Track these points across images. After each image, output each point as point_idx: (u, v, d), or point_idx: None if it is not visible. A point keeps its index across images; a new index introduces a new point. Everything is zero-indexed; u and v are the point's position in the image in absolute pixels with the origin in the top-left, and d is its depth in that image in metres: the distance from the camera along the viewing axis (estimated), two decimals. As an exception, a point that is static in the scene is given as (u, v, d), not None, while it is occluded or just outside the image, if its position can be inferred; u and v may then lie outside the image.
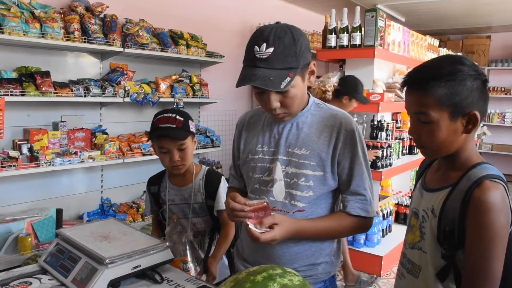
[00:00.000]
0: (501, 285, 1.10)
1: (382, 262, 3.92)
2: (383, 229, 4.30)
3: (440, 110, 1.14)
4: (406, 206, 4.67)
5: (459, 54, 5.42)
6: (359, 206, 1.39)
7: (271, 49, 1.24)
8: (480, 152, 8.00)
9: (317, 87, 4.27)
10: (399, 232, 4.26)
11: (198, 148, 4.16)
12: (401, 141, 4.38)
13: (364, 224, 1.43)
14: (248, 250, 1.53)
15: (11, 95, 2.88)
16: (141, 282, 1.44)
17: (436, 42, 5.49)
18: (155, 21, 4.04)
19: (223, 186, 1.93)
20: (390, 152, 3.98)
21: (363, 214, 1.40)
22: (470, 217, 1.10)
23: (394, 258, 4.04)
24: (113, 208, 3.73)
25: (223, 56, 4.48)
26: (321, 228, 1.39)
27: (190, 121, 1.88)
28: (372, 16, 3.74)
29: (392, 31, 4.06)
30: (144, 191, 4.09)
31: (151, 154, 3.75)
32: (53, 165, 3.08)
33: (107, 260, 1.34)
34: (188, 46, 4.10)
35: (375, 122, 4.09)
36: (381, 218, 4.21)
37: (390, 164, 4.00)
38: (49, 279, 1.45)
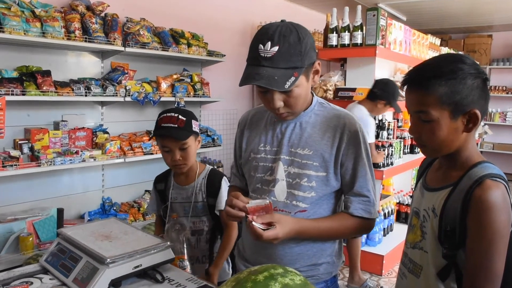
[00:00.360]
0: (502, 284, 1.10)
1: (384, 261, 3.92)
2: (384, 228, 4.31)
3: (440, 109, 1.13)
4: (407, 205, 4.67)
5: (459, 52, 5.42)
6: (362, 207, 1.39)
7: (275, 48, 1.23)
8: (481, 151, 8.04)
9: (319, 86, 4.28)
10: (401, 231, 4.26)
11: (199, 147, 4.15)
12: (402, 140, 4.38)
13: (366, 225, 1.42)
14: (250, 250, 1.52)
15: (12, 94, 2.87)
16: (142, 282, 1.43)
17: (437, 41, 5.48)
18: (156, 20, 4.03)
19: (225, 186, 1.93)
20: (392, 151, 3.98)
21: (366, 216, 1.39)
22: (471, 217, 1.09)
23: (396, 257, 4.04)
24: (114, 208, 3.73)
25: (224, 55, 4.48)
26: (323, 229, 1.38)
27: (193, 121, 1.87)
28: (374, 15, 3.74)
29: (393, 30, 4.05)
30: (146, 191, 4.10)
31: (152, 154, 3.75)
32: (54, 164, 3.08)
33: (108, 259, 1.33)
34: (189, 45, 4.09)
35: (377, 121, 4.08)
36: (382, 217, 4.22)
37: (392, 163, 4.00)
38: (50, 279, 1.45)
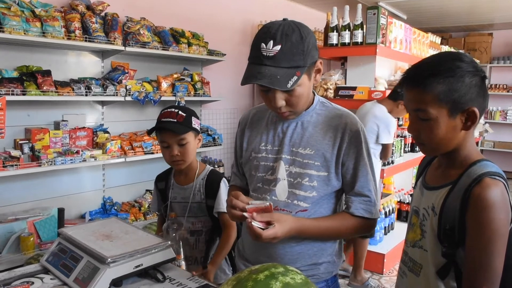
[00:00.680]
0: (502, 282, 1.10)
1: (385, 260, 3.92)
2: (385, 227, 4.31)
3: (439, 107, 1.13)
4: (408, 204, 4.67)
5: (458, 51, 5.41)
6: (363, 207, 1.39)
7: (278, 47, 1.23)
8: (482, 150, 8.04)
9: (319, 85, 4.27)
10: (401, 230, 4.25)
11: (200, 147, 4.15)
12: (403, 138, 4.38)
13: (367, 225, 1.42)
14: (250, 249, 1.52)
15: (12, 94, 2.87)
16: (143, 281, 1.44)
17: (438, 40, 5.48)
18: (156, 19, 4.03)
19: (224, 188, 1.92)
20: (392, 149, 3.98)
21: (367, 216, 1.39)
22: (470, 215, 1.09)
23: (396, 255, 4.04)
24: (115, 207, 3.73)
25: (225, 55, 4.47)
26: (324, 228, 1.38)
27: (193, 118, 1.88)
28: (374, 14, 3.74)
29: (394, 28, 4.05)
30: (147, 190, 4.10)
31: (152, 153, 3.75)
32: (54, 164, 3.08)
33: (109, 259, 1.33)
34: (189, 44, 4.09)
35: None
36: (383, 216, 4.22)
37: (392, 162, 4.00)
38: (51, 279, 1.45)
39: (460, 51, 5.94)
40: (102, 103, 3.71)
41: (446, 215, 1.14)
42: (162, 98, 3.83)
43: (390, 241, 4.17)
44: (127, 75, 3.67)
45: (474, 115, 1.14)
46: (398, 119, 4.59)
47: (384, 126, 3.33)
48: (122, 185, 3.95)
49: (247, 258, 1.53)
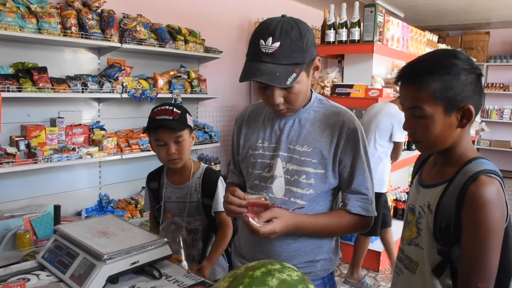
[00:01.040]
0: (497, 280, 1.11)
1: (381, 258, 3.93)
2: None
3: (434, 105, 1.13)
4: (404, 201, 4.68)
5: (454, 48, 5.41)
6: (360, 205, 1.39)
7: (277, 44, 1.22)
8: (478, 148, 8.06)
9: (316, 83, 4.27)
10: (398, 228, 4.26)
11: (196, 144, 4.15)
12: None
13: (364, 223, 1.42)
14: (246, 246, 1.52)
15: (8, 91, 2.86)
16: (139, 278, 1.44)
17: (435, 38, 5.48)
18: (153, 16, 4.02)
19: (221, 187, 1.89)
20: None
21: (364, 213, 1.39)
22: (466, 213, 1.10)
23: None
24: (112, 204, 3.73)
25: (221, 52, 4.47)
26: (321, 224, 1.38)
27: (187, 115, 1.85)
28: (371, 12, 3.74)
29: (391, 26, 4.05)
30: (143, 187, 4.09)
31: (149, 150, 3.73)
32: (51, 161, 3.07)
33: (105, 256, 1.33)
34: (186, 41, 4.08)
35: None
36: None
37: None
38: (47, 276, 1.45)
39: (457, 49, 5.94)
40: (99, 100, 3.70)
41: (442, 213, 1.15)
42: (159, 95, 3.82)
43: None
44: (123, 72, 3.66)
45: (470, 113, 1.14)
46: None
47: (398, 124, 3.35)
48: (119, 182, 3.95)
49: (243, 255, 1.53)
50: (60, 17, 3.20)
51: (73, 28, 3.21)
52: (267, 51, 1.23)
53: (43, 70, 3.13)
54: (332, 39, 4.01)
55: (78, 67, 3.55)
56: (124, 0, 3.85)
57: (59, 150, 3.17)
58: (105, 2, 3.49)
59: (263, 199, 1.26)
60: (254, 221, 1.21)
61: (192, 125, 1.88)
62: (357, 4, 3.86)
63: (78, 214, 3.58)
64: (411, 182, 1.41)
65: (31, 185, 3.29)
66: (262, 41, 1.23)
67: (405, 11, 6.72)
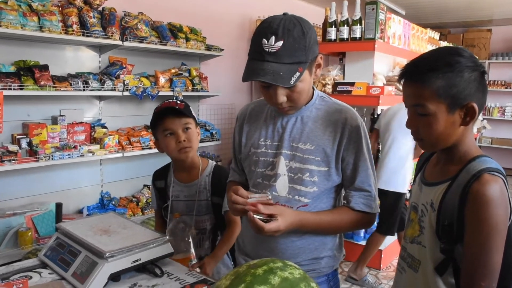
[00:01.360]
0: (500, 278, 1.10)
1: (382, 256, 3.93)
2: (382, 223, 4.30)
3: (437, 102, 1.13)
4: (406, 200, 4.66)
5: (457, 46, 5.40)
6: (363, 202, 1.39)
7: (280, 43, 1.21)
8: (480, 146, 8.04)
9: (317, 80, 4.26)
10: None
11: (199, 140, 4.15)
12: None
13: (367, 219, 1.42)
14: (250, 244, 1.52)
15: (10, 89, 2.86)
16: (141, 276, 1.44)
17: (436, 35, 5.47)
18: (154, 14, 4.01)
19: None
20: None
21: (367, 210, 1.39)
22: (469, 211, 1.09)
23: (394, 251, 4.05)
24: (113, 202, 3.73)
25: (223, 50, 4.46)
26: (325, 221, 1.38)
27: (191, 109, 1.85)
28: (373, 9, 3.72)
29: (392, 24, 4.04)
30: (144, 185, 4.10)
31: (150, 148, 3.74)
32: (52, 159, 3.08)
33: (107, 254, 1.33)
34: (187, 39, 4.08)
35: (375, 116, 4.07)
36: (380, 212, 4.21)
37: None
38: (49, 273, 1.45)
39: (460, 46, 5.93)
40: (100, 98, 3.70)
41: (445, 211, 1.14)
42: (160, 93, 3.82)
43: (387, 237, 4.17)
44: (124, 70, 3.66)
45: (473, 111, 1.13)
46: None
47: None
48: (120, 180, 3.95)
49: (247, 253, 1.53)
50: (61, 15, 3.20)
51: (75, 26, 3.21)
52: (270, 50, 1.22)
53: (45, 68, 3.13)
54: (333, 36, 3.99)
55: (79, 65, 3.55)
56: (125, -2, 3.85)
57: (61, 148, 3.18)
58: (106, 0, 3.49)
59: (266, 198, 1.26)
60: (258, 219, 1.21)
61: (197, 119, 1.87)
62: (358, 1, 3.85)
63: (80, 212, 3.58)
64: (414, 180, 1.40)
65: (33, 183, 3.30)
66: (264, 40, 1.23)
67: (407, 8, 6.70)
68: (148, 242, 1.46)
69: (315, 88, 1.46)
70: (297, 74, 1.24)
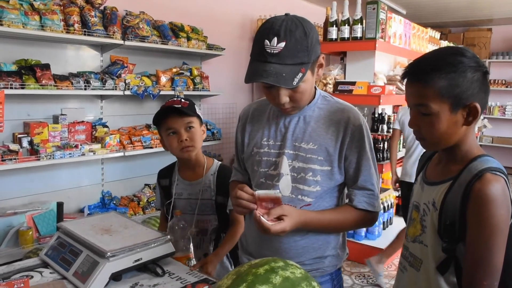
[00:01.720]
0: (502, 278, 1.10)
1: (383, 255, 3.92)
2: (384, 222, 4.32)
3: (440, 102, 1.13)
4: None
5: (459, 46, 5.40)
6: (366, 200, 1.39)
7: (282, 44, 1.21)
8: (480, 145, 8.02)
9: (318, 80, 4.26)
10: (400, 224, 4.27)
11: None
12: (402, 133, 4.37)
13: (369, 218, 1.42)
14: (254, 244, 1.51)
15: (11, 88, 2.86)
16: (142, 275, 1.44)
17: (437, 35, 5.47)
18: (156, 13, 4.01)
19: None
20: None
21: (370, 209, 1.40)
22: (471, 210, 1.09)
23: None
24: (114, 202, 3.73)
25: (224, 49, 4.46)
26: (328, 220, 1.38)
27: (196, 107, 1.83)
28: (374, 9, 3.72)
29: (393, 23, 4.04)
30: (145, 184, 4.10)
31: (151, 147, 3.74)
32: (53, 158, 3.08)
33: (109, 253, 1.33)
34: (188, 38, 4.08)
35: (376, 115, 4.08)
36: (382, 211, 4.22)
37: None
38: (50, 273, 1.45)
39: (463, 46, 5.93)
40: (101, 97, 3.70)
41: (447, 210, 1.14)
42: (161, 93, 3.82)
43: (388, 235, 4.16)
44: (126, 69, 3.66)
45: (476, 111, 1.13)
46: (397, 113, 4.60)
47: None
48: (121, 179, 3.95)
49: (251, 252, 1.52)
50: (63, 14, 3.20)
51: (76, 25, 3.21)
52: (272, 51, 1.22)
53: (46, 67, 3.13)
54: (334, 36, 3.99)
55: (80, 64, 3.55)
56: (126, -3, 3.85)
57: (62, 147, 3.18)
58: (108, -1, 3.49)
59: (277, 195, 1.24)
60: (264, 219, 1.21)
61: (201, 117, 1.86)
62: (359, 1, 3.85)
63: (81, 211, 3.58)
64: (416, 179, 1.40)
65: (34, 182, 3.30)
66: (267, 41, 1.22)
67: (407, 8, 6.70)
68: (150, 241, 1.46)
69: (317, 87, 1.46)
70: (300, 75, 1.23)
